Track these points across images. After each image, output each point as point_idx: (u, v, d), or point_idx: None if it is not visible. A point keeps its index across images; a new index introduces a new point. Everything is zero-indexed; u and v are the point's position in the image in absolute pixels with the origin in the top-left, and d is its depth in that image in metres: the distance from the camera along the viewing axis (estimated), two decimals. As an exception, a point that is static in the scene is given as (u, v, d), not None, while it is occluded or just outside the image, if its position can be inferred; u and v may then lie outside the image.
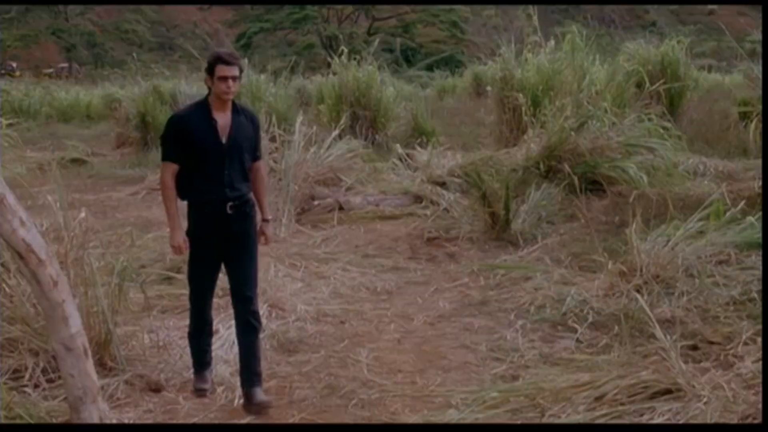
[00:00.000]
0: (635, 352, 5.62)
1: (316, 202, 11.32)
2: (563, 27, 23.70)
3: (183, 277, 7.72)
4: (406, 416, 5.05)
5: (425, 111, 18.66)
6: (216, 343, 6.32)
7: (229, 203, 5.44)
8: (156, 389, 5.55)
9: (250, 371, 5.37)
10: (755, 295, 6.65)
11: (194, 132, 5.48)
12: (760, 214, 8.15)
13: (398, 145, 14.19)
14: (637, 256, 7.34)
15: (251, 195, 5.63)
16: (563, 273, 7.82)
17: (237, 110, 5.65)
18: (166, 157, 5.60)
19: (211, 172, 5.46)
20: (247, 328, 5.45)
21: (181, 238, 5.46)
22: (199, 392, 5.51)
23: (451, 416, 4.91)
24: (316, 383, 5.64)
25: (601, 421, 4.62)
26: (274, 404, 5.25)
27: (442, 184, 11.85)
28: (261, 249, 5.71)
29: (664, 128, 12.90)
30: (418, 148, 14.30)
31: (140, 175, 15.98)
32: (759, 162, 12.18)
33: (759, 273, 7.06)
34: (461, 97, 31.45)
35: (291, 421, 5.03)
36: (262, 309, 6.78)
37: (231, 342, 6.33)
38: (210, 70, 5.45)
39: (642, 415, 4.66)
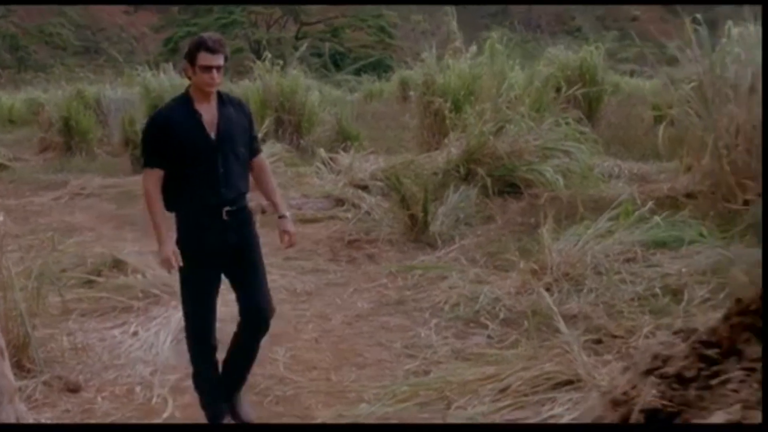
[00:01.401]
0: (541, 346, 5.84)
1: (239, 206, 11.41)
2: (491, 32, 24.06)
3: (104, 280, 7.84)
4: (319, 411, 5.23)
5: (350, 115, 18.85)
6: (136, 344, 6.44)
7: (226, 208, 4.92)
8: (74, 390, 5.62)
9: (238, 369, 5.16)
10: (658, 291, 6.97)
11: (178, 130, 4.92)
12: (667, 213, 8.52)
13: (322, 150, 14.36)
14: (548, 255, 7.62)
15: (248, 201, 5.13)
16: (478, 272, 8.04)
17: (223, 101, 5.10)
18: (148, 163, 5.00)
19: (202, 174, 4.92)
20: (256, 337, 5.14)
21: (170, 251, 4.89)
22: None
23: (362, 410, 5.09)
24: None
25: (504, 410, 4.84)
26: (193, 404, 5.37)
27: (364, 188, 12.03)
28: None
29: (581, 132, 13.24)
30: (342, 153, 14.46)
31: (63, 180, 15.89)
32: (671, 165, 12.63)
33: (662, 270, 7.41)
34: (388, 102, 31.65)
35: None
36: (180, 310, 6.89)
37: (150, 344, 6.44)
38: (191, 58, 4.91)
39: (543, 405, 4.89)
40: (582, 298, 7.03)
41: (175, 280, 6.89)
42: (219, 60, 4.89)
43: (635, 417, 1.91)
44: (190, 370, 5.49)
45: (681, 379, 1.93)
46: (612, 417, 2.02)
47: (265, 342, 6.53)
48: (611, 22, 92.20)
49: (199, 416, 5.11)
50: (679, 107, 10.88)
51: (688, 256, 7.73)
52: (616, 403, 2.06)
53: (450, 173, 11.97)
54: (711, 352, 1.94)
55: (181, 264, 4.95)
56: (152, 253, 8.37)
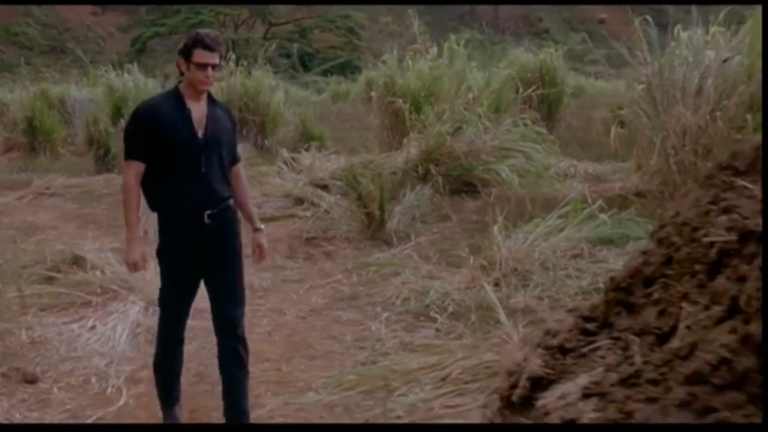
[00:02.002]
0: (484, 337, 6.07)
1: (199, 205, 11.57)
2: (459, 34, 24.33)
3: (63, 276, 7.98)
4: (268, 399, 5.42)
5: (314, 116, 19.05)
6: (93, 337, 6.60)
7: (207, 211, 4.73)
8: (31, 381, 5.77)
9: (237, 409, 4.82)
10: (601, 285, 7.19)
11: (165, 124, 4.74)
12: (615, 211, 8.80)
13: (284, 150, 14.54)
14: (497, 251, 7.86)
15: (231, 201, 4.95)
16: (430, 269, 8.26)
17: (213, 102, 4.96)
18: (130, 155, 4.81)
19: (185, 172, 4.75)
20: (234, 358, 4.83)
21: (139, 254, 4.75)
22: None
23: (309, 398, 5.31)
24: (186, 372, 5.91)
25: (444, 397, 5.07)
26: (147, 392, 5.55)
27: (324, 187, 12.21)
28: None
29: (538, 133, 13.53)
30: (304, 152, 14.64)
31: (27, 180, 15.89)
32: (626, 165, 12.96)
33: (607, 265, 7.66)
34: (354, 103, 31.85)
35: (158, 405, 5.33)
36: (137, 305, 7.08)
37: (108, 337, 6.60)
38: (186, 54, 4.73)
39: (482, 393, 5.11)
40: (528, 292, 7.28)
41: (133, 276, 7.14)
42: (215, 58, 4.76)
43: (522, 383, 2.13)
44: (146, 360, 5.69)
45: (562, 350, 2.15)
46: (504, 385, 2.24)
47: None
48: (578, 24, 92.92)
49: (152, 404, 5.28)
50: (630, 108, 11.20)
51: (633, 252, 7.99)
52: (509, 374, 2.28)
53: (409, 173, 12.20)
54: (590, 326, 2.17)
55: (145, 269, 5.04)
56: (112, 251, 8.57)
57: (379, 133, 15.83)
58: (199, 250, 4.72)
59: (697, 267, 1.86)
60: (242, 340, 4.89)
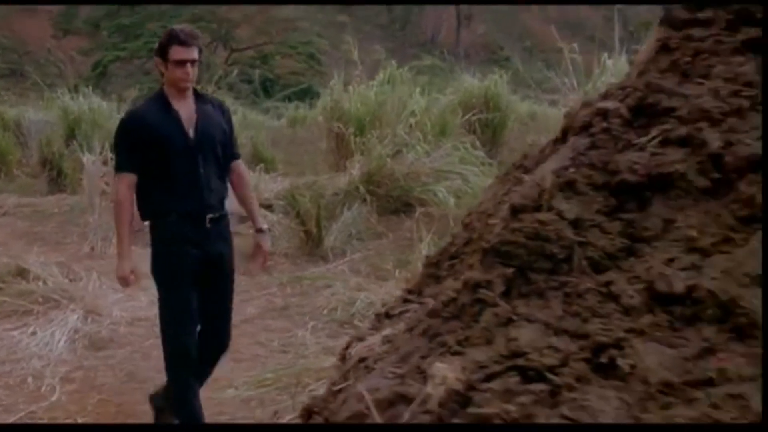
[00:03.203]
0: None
1: (146, 223, 11.93)
2: (420, 61, 24.91)
3: (6, 286, 8.34)
4: (191, 396, 5.84)
5: (266, 140, 19.48)
6: (32, 342, 6.99)
7: (209, 215, 4.66)
8: (-30, 382, 6.16)
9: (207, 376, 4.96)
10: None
11: (154, 129, 4.64)
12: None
13: (233, 171, 14.95)
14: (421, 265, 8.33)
15: (227, 210, 4.95)
16: (360, 281, 8.72)
17: (201, 98, 4.88)
18: (121, 167, 4.73)
19: (182, 177, 4.62)
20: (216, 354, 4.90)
21: (129, 269, 4.67)
22: None
23: (228, 394, 5.75)
24: (119, 372, 6.37)
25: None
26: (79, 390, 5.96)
27: (269, 207, 12.63)
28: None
29: (477, 156, 14.05)
30: (252, 174, 15.03)
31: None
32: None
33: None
34: (310, 127, 32.30)
35: (90, 401, 5.75)
36: (77, 314, 7.48)
37: (46, 342, 6.99)
38: (162, 53, 4.62)
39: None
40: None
41: (73, 286, 7.55)
42: (193, 53, 4.60)
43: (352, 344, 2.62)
44: (81, 363, 6.09)
45: (387, 315, 2.64)
46: (341, 356, 2.72)
47: (153, 341, 7.20)
48: (538, 53, 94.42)
49: (83, 400, 5.69)
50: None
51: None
52: (342, 357, 2.75)
53: (351, 193, 12.66)
54: (410, 296, 2.65)
55: (136, 283, 4.84)
56: (56, 264, 8.94)
57: (326, 155, 16.27)
58: (199, 259, 4.60)
59: (484, 244, 2.34)
60: (226, 346, 4.92)
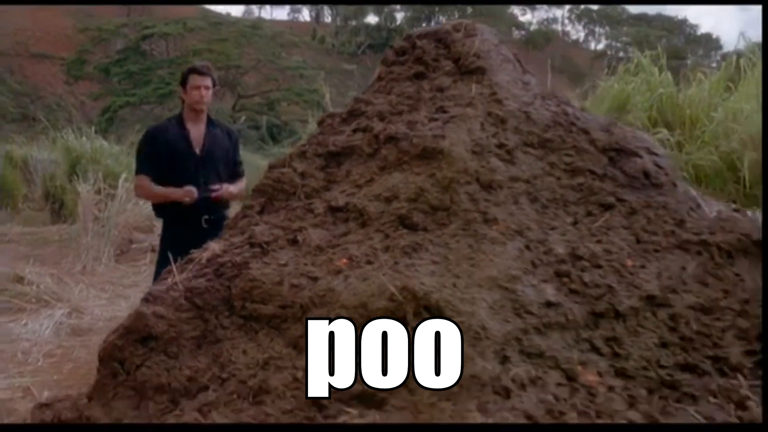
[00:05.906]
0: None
1: (134, 245, 13.26)
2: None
3: (4, 289, 9.73)
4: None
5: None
6: (23, 330, 8.33)
7: (205, 216, 5.49)
8: (-31, 356, 7.49)
9: None
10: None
11: (167, 143, 5.58)
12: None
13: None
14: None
15: (227, 212, 5.62)
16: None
17: (212, 123, 5.76)
18: (139, 171, 5.71)
19: (186, 182, 5.49)
20: None
21: (183, 189, 5.48)
22: None
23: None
24: (93, 350, 7.64)
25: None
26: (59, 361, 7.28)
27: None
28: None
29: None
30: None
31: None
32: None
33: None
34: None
35: (66, 367, 7.07)
36: (63, 310, 8.84)
37: (35, 330, 8.33)
38: (183, 82, 5.62)
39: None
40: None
41: (62, 290, 8.93)
42: (207, 81, 5.61)
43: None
44: (61, 343, 7.43)
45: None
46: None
47: None
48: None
49: (61, 366, 7.02)
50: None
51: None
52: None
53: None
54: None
55: (195, 195, 5.50)
56: (49, 275, 10.32)
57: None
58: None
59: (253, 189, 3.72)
60: None
